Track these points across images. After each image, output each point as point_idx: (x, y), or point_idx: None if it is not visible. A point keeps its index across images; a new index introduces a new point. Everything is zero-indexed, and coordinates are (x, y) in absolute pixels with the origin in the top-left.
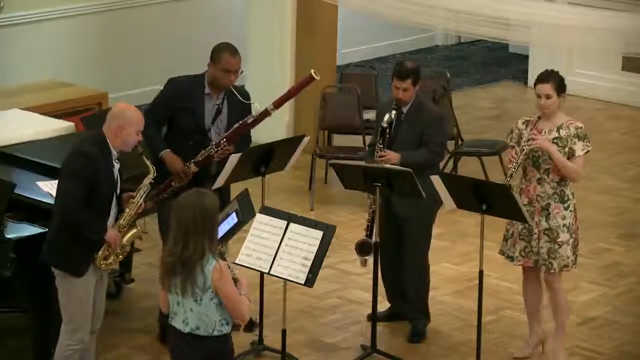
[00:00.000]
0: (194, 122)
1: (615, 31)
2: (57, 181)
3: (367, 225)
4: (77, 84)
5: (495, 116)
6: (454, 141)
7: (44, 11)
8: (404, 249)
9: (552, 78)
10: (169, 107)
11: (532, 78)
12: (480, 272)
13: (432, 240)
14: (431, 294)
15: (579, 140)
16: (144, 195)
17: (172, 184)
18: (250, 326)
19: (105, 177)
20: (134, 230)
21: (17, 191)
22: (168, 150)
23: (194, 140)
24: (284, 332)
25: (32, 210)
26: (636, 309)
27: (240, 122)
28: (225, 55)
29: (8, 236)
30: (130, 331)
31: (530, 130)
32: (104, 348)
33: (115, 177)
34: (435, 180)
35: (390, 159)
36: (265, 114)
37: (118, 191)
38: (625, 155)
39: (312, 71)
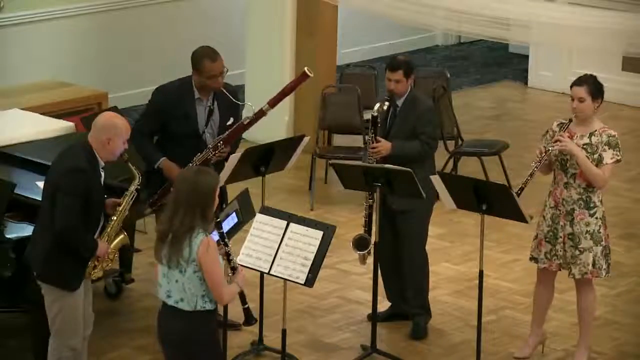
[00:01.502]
0: (188, 128)
1: (615, 31)
2: None
3: (365, 221)
4: (77, 84)
5: (495, 116)
6: (453, 141)
7: (44, 11)
8: (402, 245)
9: (588, 82)
10: (160, 117)
11: (532, 78)
12: (480, 272)
13: (432, 240)
14: (431, 294)
15: (609, 148)
16: (130, 202)
17: (171, 189)
18: (249, 320)
19: (96, 189)
20: (121, 237)
21: (17, 191)
22: (164, 158)
23: (189, 145)
24: (284, 332)
25: (32, 210)
26: (636, 309)
27: (237, 123)
28: (206, 62)
29: (8, 236)
30: (131, 331)
31: (560, 132)
32: (104, 348)
33: (102, 187)
34: (435, 180)
35: (382, 150)
36: (261, 113)
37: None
38: (625, 156)
39: (305, 68)
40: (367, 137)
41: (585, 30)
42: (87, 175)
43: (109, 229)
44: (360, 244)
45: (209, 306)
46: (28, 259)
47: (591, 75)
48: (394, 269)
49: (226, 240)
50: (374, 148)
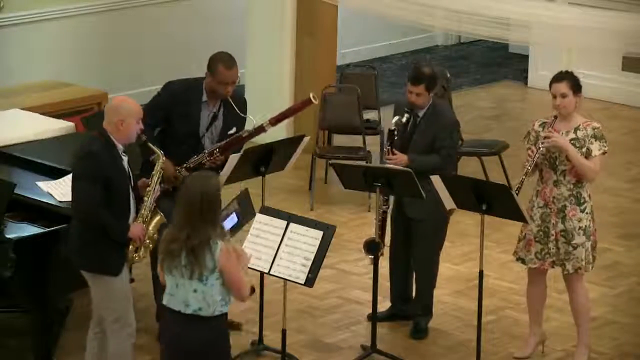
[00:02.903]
0: (188, 128)
1: (615, 31)
2: (57, 181)
3: (379, 225)
4: (77, 84)
5: (495, 116)
6: None
7: (44, 11)
8: (414, 250)
9: (567, 78)
10: (164, 111)
11: (532, 78)
12: (480, 272)
13: None
14: None
15: (595, 140)
16: (159, 181)
17: (162, 186)
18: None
19: (116, 173)
20: (158, 217)
21: (17, 191)
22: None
23: (187, 145)
24: (284, 332)
25: (32, 210)
26: (636, 309)
27: (235, 135)
28: (221, 68)
29: (8, 236)
30: None
31: (546, 129)
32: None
33: (127, 170)
34: (435, 180)
35: (397, 163)
36: (261, 129)
37: (132, 183)
38: (625, 156)
39: (310, 94)
40: (384, 150)
41: (585, 30)
42: (100, 159)
43: (143, 210)
44: (370, 248)
45: (225, 309)
46: (68, 253)
47: (567, 71)
48: (403, 272)
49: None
50: (390, 160)
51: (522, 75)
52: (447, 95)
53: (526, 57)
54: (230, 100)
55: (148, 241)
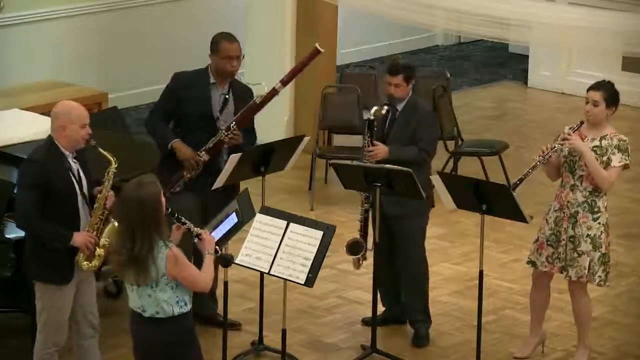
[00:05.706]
0: (200, 110)
1: (615, 31)
2: None
3: (361, 226)
4: (77, 84)
5: (495, 116)
6: (453, 141)
7: (44, 11)
8: (399, 249)
9: (605, 88)
10: (173, 100)
11: (532, 78)
12: (480, 272)
13: (432, 240)
14: (431, 294)
15: (618, 152)
16: (109, 188)
17: (184, 174)
18: (225, 261)
19: (60, 180)
20: (110, 226)
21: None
22: (177, 139)
23: (203, 130)
24: (284, 332)
25: None
26: (636, 309)
27: (248, 105)
28: (224, 43)
29: (8, 236)
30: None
31: (569, 132)
32: (104, 348)
33: (76, 177)
34: (436, 180)
35: (378, 153)
36: (274, 92)
37: (85, 190)
38: None
39: (316, 44)
40: (363, 140)
41: (585, 30)
42: (40, 166)
43: (93, 218)
44: (353, 248)
45: (185, 309)
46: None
47: (610, 82)
48: (390, 274)
49: (182, 219)
50: (370, 151)
51: (522, 75)
52: (447, 95)
53: (526, 57)
54: (236, 78)
55: (101, 250)
